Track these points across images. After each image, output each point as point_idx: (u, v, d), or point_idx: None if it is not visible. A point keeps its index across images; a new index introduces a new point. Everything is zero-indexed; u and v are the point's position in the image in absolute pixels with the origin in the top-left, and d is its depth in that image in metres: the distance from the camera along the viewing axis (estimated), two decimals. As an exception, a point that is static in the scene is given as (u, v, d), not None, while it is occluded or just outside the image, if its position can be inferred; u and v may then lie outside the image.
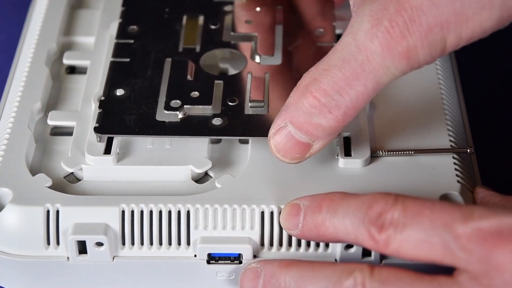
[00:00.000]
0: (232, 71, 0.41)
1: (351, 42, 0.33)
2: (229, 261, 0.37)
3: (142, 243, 0.37)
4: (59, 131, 0.41)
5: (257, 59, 0.41)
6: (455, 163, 0.38)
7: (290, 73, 0.40)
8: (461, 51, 0.44)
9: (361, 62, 0.33)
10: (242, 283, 0.35)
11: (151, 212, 0.36)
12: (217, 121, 0.38)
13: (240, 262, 0.37)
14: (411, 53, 0.32)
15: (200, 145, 0.39)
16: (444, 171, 0.38)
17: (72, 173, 0.39)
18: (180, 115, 0.38)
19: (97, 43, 0.44)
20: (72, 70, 0.44)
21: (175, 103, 0.39)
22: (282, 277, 0.34)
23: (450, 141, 0.39)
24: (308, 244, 0.36)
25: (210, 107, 0.38)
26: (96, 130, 0.38)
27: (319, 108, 0.33)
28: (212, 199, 0.37)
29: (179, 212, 0.36)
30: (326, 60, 0.34)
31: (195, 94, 0.39)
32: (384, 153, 0.38)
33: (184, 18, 0.43)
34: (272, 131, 0.35)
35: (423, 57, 0.32)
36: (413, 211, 0.32)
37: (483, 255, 0.30)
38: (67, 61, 0.44)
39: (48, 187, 0.37)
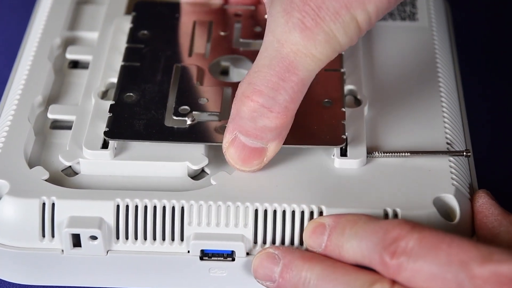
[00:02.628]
0: (239, 78, 0.41)
1: (272, 40, 0.34)
2: (222, 258, 0.37)
3: (136, 238, 0.37)
4: (59, 125, 0.41)
5: None
6: (451, 166, 0.38)
7: None
8: (463, 52, 0.47)
9: (287, 55, 0.34)
10: (257, 267, 0.35)
11: (145, 207, 0.37)
12: (224, 128, 0.38)
13: (233, 259, 0.37)
14: (329, 37, 0.33)
15: (197, 145, 0.39)
16: (439, 173, 0.38)
17: (70, 166, 0.39)
18: (189, 121, 0.39)
19: (100, 39, 0.44)
20: (75, 64, 0.44)
21: (184, 109, 0.39)
22: (304, 272, 0.34)
23: (447, 143, 0.39)
24: (301, 243, 0.36)
25: (218, 113, 0.39)
26: (106, 134, 0.38)
27: (260, 110, 0.34)
28: (207, 195, 0.37)
29: (173, 208, 0.37)
30: (255, 63, 0.35)
31: (204, 100, 0.39)
32: (380, 154, 0.38)
33: (194, 23, 0.43)
34: (224, 145, 0.36)
35: (342, 38, 0.34)
36: (429, 243, 0.32)
37: None
38: (70, 55, 0.44)
39: (45, 180, 0.37)
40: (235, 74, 0.43)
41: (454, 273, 0.30)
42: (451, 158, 0.39)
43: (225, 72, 0.43)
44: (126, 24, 0.44)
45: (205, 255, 0.37)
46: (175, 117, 0.39)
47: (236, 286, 0.37)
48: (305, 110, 0.39)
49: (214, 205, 0.37)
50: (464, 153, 0.39)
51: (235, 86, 0.40)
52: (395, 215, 0.36)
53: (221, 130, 0.39)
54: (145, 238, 0.37)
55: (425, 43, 0.44)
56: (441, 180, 0.37)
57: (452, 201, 0.37)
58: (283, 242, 0.37)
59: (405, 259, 0.31)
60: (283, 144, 0.38)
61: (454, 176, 0.38)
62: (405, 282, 0.32)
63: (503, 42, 0.50)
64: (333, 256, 0.34)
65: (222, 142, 0.37)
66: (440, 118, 0.40)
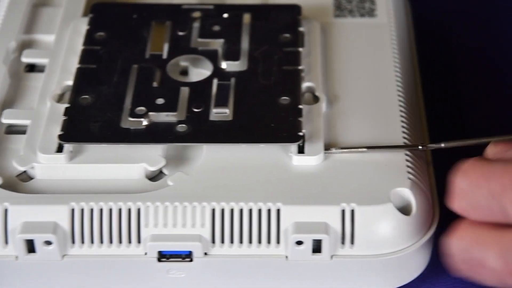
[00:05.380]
0: (198, 78, 0.41)
1: None
2: (180, 259, 0.37)
3: (92, 242, 0.37)
4: (14, 130, 0.41)
5: (223, 65, 0.41)
6: (407, 160, 0.38)
7: (256, 78, 0.40)
8: (423, 48, 0.46)
9: None
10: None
11: (101, 210, 0.36)
12: (181, 128, 0.38)
13: (191, 260, 0.36)
14: None
15: (154, 146, 0.38)
16: (396, 167, 0.38)
17: (25, 171, 0.39)
18: (145, 122, 0.38)
19: (57, 41, 0.44)
20: (31, 68, 0.44)
21: (140, 110, 0.39)
22: None
23: (404, 137, 0.39)
24: (259, 241, 0.36)
25: (175, 113, 0.39)
26: (61, 138, 0.38)
27: None
28: (163, 196, 0.37)
29: (129, 210, 0.36)
30: None
31: (161, 101, 0.39)
32: (337, 150, 0.38)
33: (152, 24, 0.43)
34: None
35: None
36: None
37: None
38: (26, 59, 0.43)
39: (-1, 186, 0.37)
40: (194, 74, 0.42)
41: None
42: (408, 152, 0.38)
43: (184, 72, 0.42)
44: (83, 26, 0.44)
45: (163, 256, 0.37)
46: (131, 119, 0.39)
47: (195, 287, 0.37)
48: (262, 107, 0.39)
49: (170, 206, 0.36)
50: (420, 147, 0.39)
51: (192, 86, 0.40)
52: (352, 210, 0.36)
53: (180, 130, 0.38)
54: (101, 242, 0.37)
55: (384, 40, 0.44)
56: (397, 175, 0.37)
57: (408, 194, 0.37)
58: (241, 241, 0.36)
59: None
60: (239, 143, 0.38)
61: (410, 170, 0.38)
62: None
63: (462, 37, 0.50)
64: None
65: (177, 143, 0.37)
66: (397, 113, 0.40)
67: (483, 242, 0.31)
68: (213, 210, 0.36)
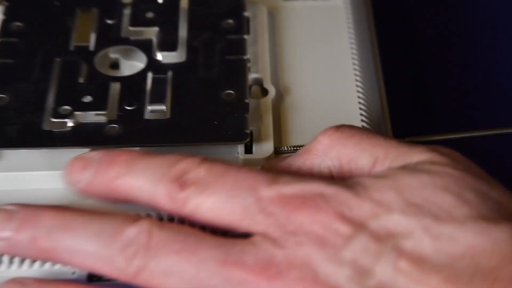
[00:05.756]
0: (130, 71, 0.39)
1: None
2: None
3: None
4: None
5: (159, 56, 0.39)
6: None
7: (196, 71, 0.39)
8: (382, 31, 0.45)
9: None
10: None
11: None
12: (112, 129, 0.36)
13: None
14: None
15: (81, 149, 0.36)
16: None
17: None
18: (71, 123, 0.36)
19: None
20: None
21: (65, 109, 0.37)
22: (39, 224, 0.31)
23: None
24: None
25: (105, 112, 0.37)
26: None
27: None
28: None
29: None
30: None
31: (88, 98, 0.37)
32: (290, 148, 0.37)
33: (76, 12, 0.41)
34: None
35: None
36: (218, 171, 0.32)
37: (283, 218, 0.30)
38: None
39: None
40: (126, 67, 0.40)
41: (241, 198, 0.31)
42: None
43: (115, 65, 0.40)
44: (-2, 16, 0.42)
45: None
46: (54, 119, 0.36)
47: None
48: (203, 103, 0.37)
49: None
50: None
51: (124, 80, 0.38)
52: None
53: (111, 131, 0.36)
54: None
55: (339, 24, 0.42)
56: None
57: None
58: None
59: (193, 190, 0.31)
60: (178, 144, 0.35)
61: None
62: (189, 214, 0.31)
63: (423, 18, 0.49)
64: (99, 191, 0.32)
65: (107, 145, 0.35)
66: (356, 106, 0.38)
67: None
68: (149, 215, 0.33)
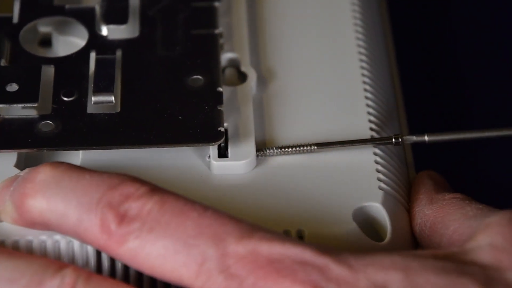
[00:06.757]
0: (66, 50, 0.36)
1: None
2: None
3: None
4: None
5: (104, 30, 0.36)
6: (376, 161, 0.33)
7: (152, 49, 0.36)
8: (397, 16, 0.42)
9: None
10: None
11: None
12: (46, 126, 0.34)
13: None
14: None
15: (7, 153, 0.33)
16: (360, 172, 0.33)
17: None
18: None
19: None
20: None
21: None
22: None
23: (371, 129, 0.34)
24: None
25: (36, 105, 0.34)
26: None
27: None
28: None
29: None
30: None
31: (13, 87, 0.34)
32: (275, 150, 0.33)
33: None
34: None
35: None
36: (175, 208, 0.28)
37: (248, 285, 0.27)
38: None
39: None
40: (60, 44, 0.37)
41: (201, 249, 0.28)
42: (376, 150, 0.34)
43: (46, 42, 0.37)
44: None
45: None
46: None
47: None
48: (165, 93, 0.34)
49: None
50: (394, 140, 0.33)
51: (59, 62, 0.35)
52: (300, 237, 0.31)
53: (45, 129, 0.33)
54: None
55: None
56: (363, 183, 0.33)
57: (379, 211, 0.32)
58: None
59: (138, 226, 0.28)
60: (130, 147, 0.32)
61: (381, 176, 0.33)
62: (127, 257, 0.28)
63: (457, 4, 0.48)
64: (10, 216, 0.30)
65: (41, 148, 0.32)
66: (361, 98, 0.35)
67: None
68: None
